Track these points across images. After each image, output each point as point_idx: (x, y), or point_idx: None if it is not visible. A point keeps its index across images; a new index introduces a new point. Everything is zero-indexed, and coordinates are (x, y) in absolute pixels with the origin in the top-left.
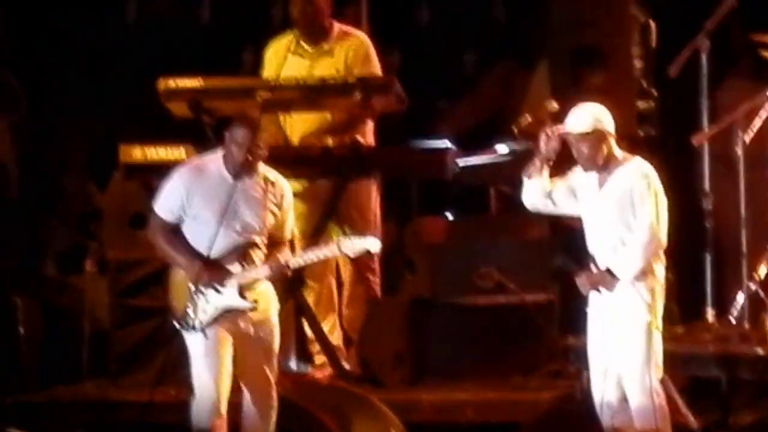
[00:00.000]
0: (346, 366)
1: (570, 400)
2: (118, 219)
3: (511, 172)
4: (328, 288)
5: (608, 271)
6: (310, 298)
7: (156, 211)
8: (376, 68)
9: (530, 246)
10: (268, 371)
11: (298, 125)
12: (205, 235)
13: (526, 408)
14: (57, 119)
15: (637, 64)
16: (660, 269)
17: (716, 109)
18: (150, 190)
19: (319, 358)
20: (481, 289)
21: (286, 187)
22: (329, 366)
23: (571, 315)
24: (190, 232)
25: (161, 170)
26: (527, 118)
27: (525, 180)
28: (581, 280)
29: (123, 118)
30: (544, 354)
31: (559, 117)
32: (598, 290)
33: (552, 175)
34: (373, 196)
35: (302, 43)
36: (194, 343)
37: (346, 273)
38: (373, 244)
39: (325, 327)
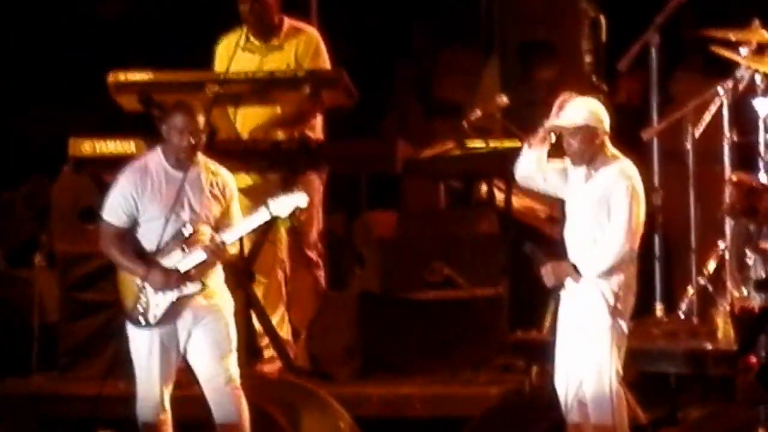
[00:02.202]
0: (295, 360)
1: (519, 394)
2: (68, 212)
3: (462, 168)
4: (276, 282)
5: (574, 265)
6: (258, 292)
7: (107, 219)
8: (326, 63)
9: (480, 241)
10: (224, 368)
11: (248, 119)
12: (154, 229)
13: (475, 402)
14: (7, 112)
15: (587, 58)
16: (630, 271)
17: (666, 103)
18: (100, 184)
19: (268, 352)
20: (431, 283)
21: (229, 176)
22: (278, 360)
23: (520, 310)
24: (140, 231)
25: (111, 164)
26: (477, 113)
27: (524, 148)
28: (546, 270)
29: (73, 111)
30: (493, 349)
31: (508, 111)
32: (562, 282)
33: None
34: (317, 190)
35: (252, 38)
36: (139, 339)
37: (292, 267)
38: (300, 199)
39: (274, 321)
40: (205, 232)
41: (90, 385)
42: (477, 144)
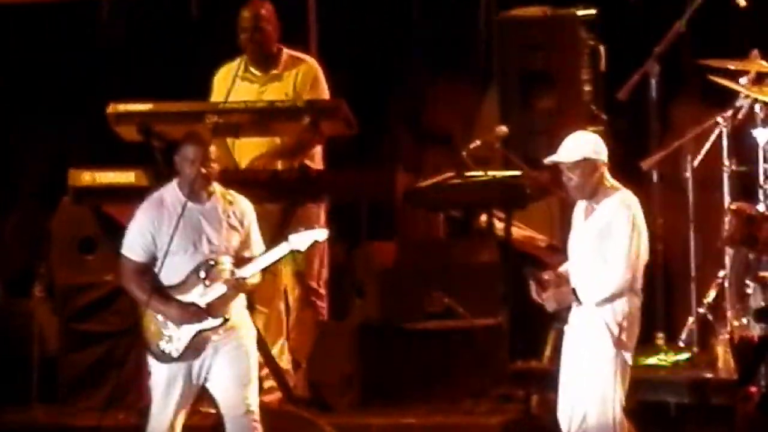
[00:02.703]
0: (295, 390)
1: (519, 424)
2: (67, 243)
3: (461, 198)
4: (276, 312)
5: (574, 290)
6: (259, 323)
7: (126, 255)
8: (325, 93)
9: (480, 271)
10: (243, 398)
11: (247, 149)
12: (174, 263)
13: None
14: (6, 142)
15: (587, 88)
16: (633, 303)
17: (665, 133)
18: (99, 215)
19: (268, 383)
20: (431, 313)
21: (246, 204)
22: (278, 390)
23: (520, 339)
24: (159, 265)
25: (111, 194)
26: (477, 142)
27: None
28: (548, 295)
29: (73, 142)
30: (493, 378)
31: (508, 141)
32: (563, 307)
33: None
34: (320, 220)
35: (251, 68)
36: (159, 373)
37: (294, 297)
38: (320, 234)
39: (274, 351)
40: (225, 263)
41: (90, 416)
42: (476, 174)
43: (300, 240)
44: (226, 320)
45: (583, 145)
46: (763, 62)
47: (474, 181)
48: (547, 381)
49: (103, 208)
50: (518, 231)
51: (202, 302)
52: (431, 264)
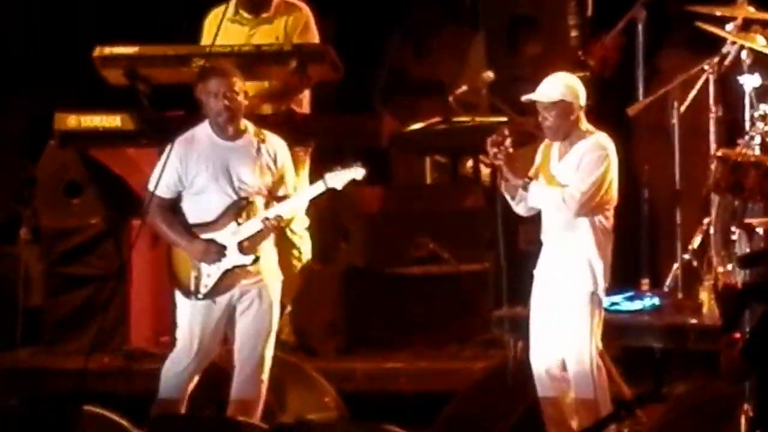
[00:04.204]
0: (281, 335)
1: (503, 369)
2: (53, 187)
3: (448, 143)
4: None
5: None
6: None
7: (152, 191)
8: (315, 39)
9: (465, 216)
10: (260, 352)
11: None
12: (203, 201)
13: (460, 377)
14: None
15: (573, 33)
16: (605, 242)
17: (653, 79)
18: (85, 159)
19: None
20: (416, 258)
21: (280, 143)
22: None
23: (505, 285)
24: (188, 203)
25: (97, 138)
26: (464, 88)
27: (511, 203)
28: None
29: (59, 86)
30: (478, 324)
31: (495, 87)
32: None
33: None
34: (306, 165)
35: (241, 11)
36: (186, 311)
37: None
38: (357, 172)
39: None
40: (258, 202)
41: (75, 359)
42: (463, 119)
43: (336, 178)
44: (257, 259)
45: (560, 86)
46: (750, 8)
47: (461, 127)
48: None
49: (89, 151)
50: None
51: (234, 240)
52: (417, 209)
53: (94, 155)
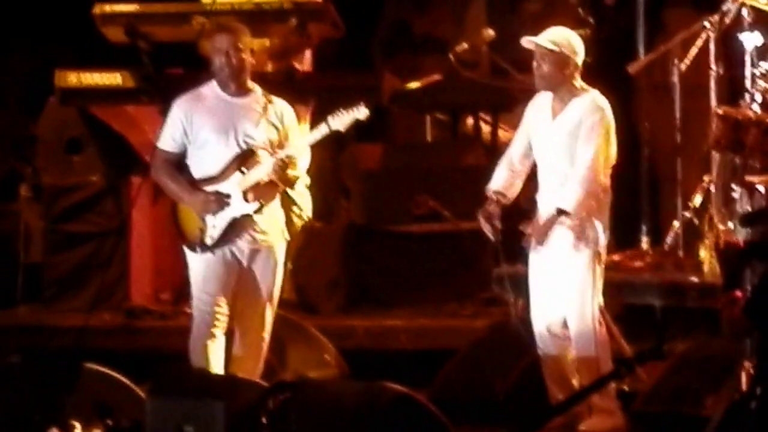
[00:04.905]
0: (281, 292)
1: (504, 327)
2: (54, 144)
3: (448, 100)
4: None
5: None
6: None
7: (158, 146)
8: None
9: (466, 173)
10: (261, 314)
11: None
12: (209, 155)
13: (461, 335)
14: None
15: None
16: (604, 203)
17: (656, 37)
18: (85, 116)
19: None
20: (417, 216)
21: (286, 105)
22: None
23: (506, 243)
24: (194, 158)
25: (97, 95)
26: (464, 46)
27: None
28: (532, 232)
29: (59, 44)
30: (479, 281)
31: (495, 44)
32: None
33: None
34: (304, 121)
35: None
36: (196, 265)
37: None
38: (360, 112)
39: None
40: (263, 156)
41: (75, 317)
42: (464, 77)
43: (340, 121)
44: (261, 207)
45: (561, 39)
46: None
47: (461, 85)
48: None
49: (89, 109)
50: (504, 134)
51: (239, 189)
52: (418, 167)
53: (95, 113)
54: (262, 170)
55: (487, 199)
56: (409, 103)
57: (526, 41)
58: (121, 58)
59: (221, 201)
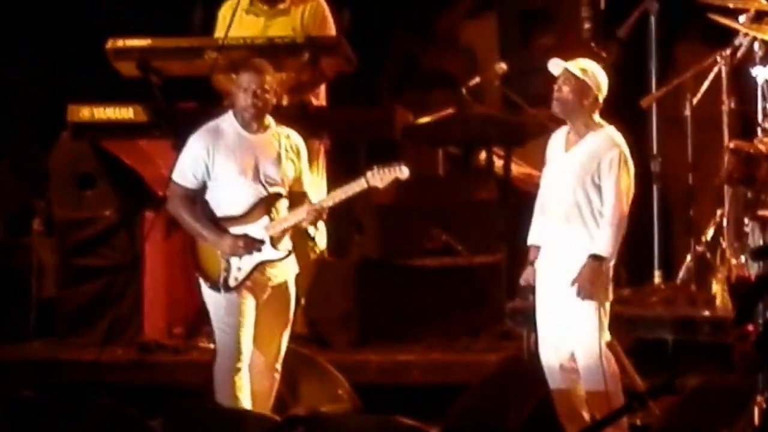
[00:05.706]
0: (294, 327)
1: (517, 361)
2: (66, 178)
3: (460, 134)
4: None
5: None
6: None
7: (176, 181)
8: (332, 31)
9: (479, 207)
10: (276, 346)
11: None
12: (230, 193)
13: (474, 369)
14: (3, 79)
15: (586, 25)
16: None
17: (666, 71)
18: (98, 150)
19: None
20: (429, 250)
21: (300, 139)
22: None
23: (518, 277)
24: (214, 195)
25: (110, 130)
26: (476, 80)
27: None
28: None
29: (72, 79)
30: (491, 315)
31: (508, 79)
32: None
33: None
34: (320, 156)
35: (257, 2)
36: (216, 301)
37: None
38: (402, 172)
39: None
40: (282, 194)
41: (88, 351)
42: (476, 111)
43: (379, 177)
44: (289, 253)
45: (589, 69)
46: (763, 0)
47: (473, 119)
48: None
49: (101, 143)
50: (517, 168)
51: (267, 234)
52: (430, 201)
53: (107, 147)
54: (296, 217)
55: (529, 250)
56: (421, 137)
57: (554, 64)
58: (133, 92)
59: (250, 246)
